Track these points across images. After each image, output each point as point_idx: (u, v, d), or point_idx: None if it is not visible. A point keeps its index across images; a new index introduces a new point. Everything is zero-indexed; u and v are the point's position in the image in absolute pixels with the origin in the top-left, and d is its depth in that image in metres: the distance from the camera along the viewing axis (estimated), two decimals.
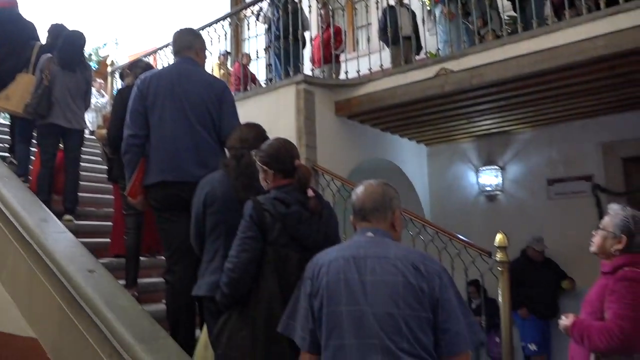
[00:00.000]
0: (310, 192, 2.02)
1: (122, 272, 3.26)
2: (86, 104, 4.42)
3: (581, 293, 2.28)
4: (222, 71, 7.80)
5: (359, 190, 1.75)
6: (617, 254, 2.10)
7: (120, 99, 3.29)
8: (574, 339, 2.13)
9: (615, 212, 2.16)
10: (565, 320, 2.18)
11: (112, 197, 4.01)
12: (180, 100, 2.65)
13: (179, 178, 2.58)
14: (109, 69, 8.22)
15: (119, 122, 2.97)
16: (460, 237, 4.05)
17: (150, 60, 6.82)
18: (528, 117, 5.51)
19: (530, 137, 6.09)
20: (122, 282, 3.06)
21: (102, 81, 8.40)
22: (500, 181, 6.21)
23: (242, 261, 1.89)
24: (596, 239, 2.19)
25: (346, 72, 5.26)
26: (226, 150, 2.40)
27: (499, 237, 3.68)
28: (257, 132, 2.31)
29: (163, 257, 3.16)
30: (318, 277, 1.62)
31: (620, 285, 1.98)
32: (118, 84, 7.03)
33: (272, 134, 2.30)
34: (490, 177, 6.24)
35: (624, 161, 5.53)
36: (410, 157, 6.51)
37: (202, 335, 2.45)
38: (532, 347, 5.29)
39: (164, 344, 2.23)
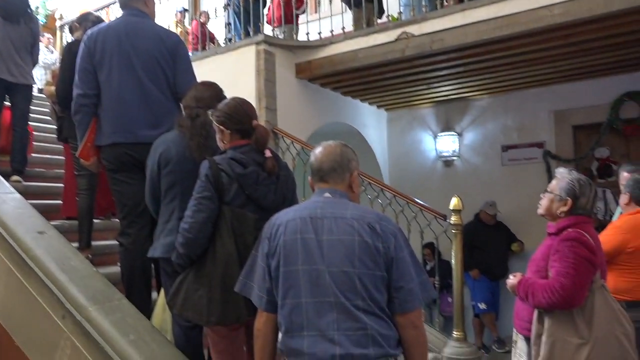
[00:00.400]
0: (267, 153, 2.00)
1: (75, 234, 3.18)
2: (33, 59, 4.18)
3: (529, 255, 2.38)
4: (179, 29, 7.51)
5: (318, 151, 1.74)
6: (563, 215, 2.18)
7: (69, 54, 3.13)
8: (519, 296, 2.23)
9: (562, 175, 2.24)
10: (512, 279, 2.28)
11: (62, 157, 3.86)
12: (129, 56, 2.51)
13: (130, 139, 2.49)
14: (58, 23, 7.78)
15: (68, 78, 2.83)
16: (417, 200, 4.14)
17: (103, 15, 6.48)
18: (485, 84, 5.61)
19: (487, 104, 6.22)
20: (76, 244, 2.99)
21: (50, 36, 7.95)
22: (457, 147, 6.35)
23: (198, 221, 1.87)
24: (543, 202, 2.27)
25: (307, 34, 5.17)
26: (182, 109, 2.34)
27: (454, 201, 3.79)
28: (213, 91, 2.25)
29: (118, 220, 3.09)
30: (275, 237, 1.62)
31: (563, 245, 2.07)
32: (68, 39, 6.67)
33: (232, 95, 2.24)
34: (447, 143, 6.36)
35: (574, 129, 5.75)
36: (371, 121, 6.53)
37: (160, 297, 2.45)
38: (482, 305, 5.54)
39: (118, 305, 2.20)
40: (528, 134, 5.93)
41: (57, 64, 6.92)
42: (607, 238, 2.69)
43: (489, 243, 5.56)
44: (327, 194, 1.67)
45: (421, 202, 4.13)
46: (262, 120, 4.56)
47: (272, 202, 1.97)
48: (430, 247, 5.27)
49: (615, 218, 3.07)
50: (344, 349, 1.48)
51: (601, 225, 3.10)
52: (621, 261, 2.66)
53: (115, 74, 2.51)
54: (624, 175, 3.07)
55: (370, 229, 1.56)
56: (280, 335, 1.61)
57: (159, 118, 2.52)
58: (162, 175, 2.16)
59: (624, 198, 2.81)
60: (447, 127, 6.45)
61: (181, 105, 2.32)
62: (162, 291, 2.36)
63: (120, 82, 2.50)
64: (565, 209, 2.18)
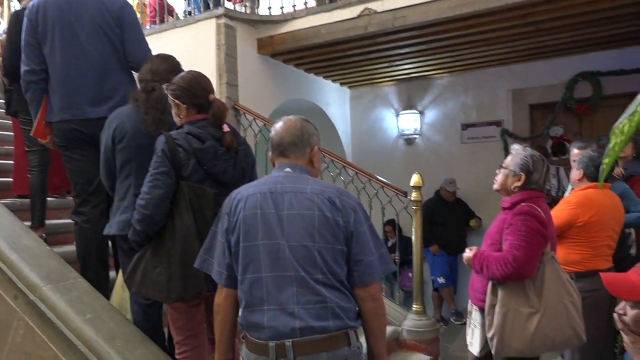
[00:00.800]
0: (225, 128, 1.96)
1: (28, 213, 3.06)
2: None
3: (486, 230, 2.45)
4: (136, 1, 7.23)
5: (278, 125, 1.73)
6: (516, 190, 2.25)
7: (15, 23, 2.96)
8: (474, 269, 2.31)
9: (516, 151, 2.31)
10: (467, 253, 2.35)
11: (12, 133, 3.69)
12: (72, 26, 2.38)
13: (77, 116, 2.38)
14: None
15: (16, 49, 2.69)
16: (379, 177, 4.19)
17: None
18: (446, 62, 5.67)
19: (448, 82, 6.29)
20: (28, 223, 2.89)
21: None
22: (419, 125, 6.42)
23: (155, 197, 1.84)
24: (499, 177, 2.34)
25: (269, 8, 5.08)
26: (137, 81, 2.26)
27: (414, 178, 3.85)
28: (170, 64, 2.18)
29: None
30: (235, 212, 1.61)
31: (516, 219, 2.14)
32: (16, 7, 6.32)
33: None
34: (409, 121, 6.42)
35: (530, 107, 5.90)
36: (334, 99, 6.52)
37: (119, 276, 2.40)
38: (441, 280, 5.70)
39: (74, 284, 2.15)
40: (487, 113, 6.06)
41: (4, 35, 6.58)
42: (559, 213, 2.79)
43: (448, 219, 5.70)
44: (287, 169, 1.67)
45: (382, 179, 4.18)
46: (222, 96, 4.48)
47: (231, 177, 1.95)
48: (391, 224, 5.36)
49: (567, 194, 3.19)
50: (303, 322, 1.49)
51: (554, 201, 3.22)
52: (572, 234, 2.77)
53: (57, 47, 2.38)
54: (575, 152, 3.19)
55: (330, 203, 1.57)
56: (240, 310, 1.61)
57: (109, 91, 2.41)
58: (116, 151, 2.09)
59: (576, 174, 2.91)
60: (408, 105, 6.50)
61: (136, 78, 2.24)
62: (120, 270, 2.32)
63: (63, 54, 2.38)
64: (519, 184, 2.25)
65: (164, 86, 2.01)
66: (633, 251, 3.24)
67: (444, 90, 6.34)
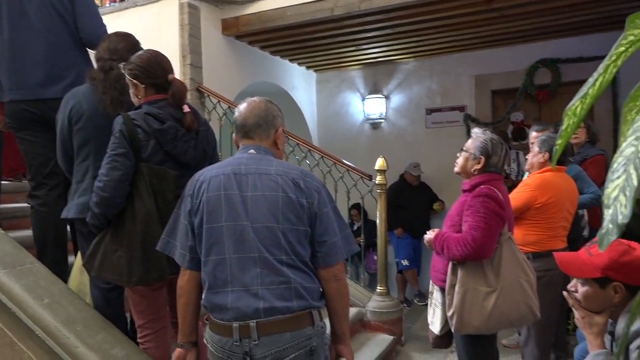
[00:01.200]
0: (185, 108, 1.93)
1: None
2: None
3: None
4: None
5: (242, 106, 1.72)
6: (476, 173, 2.31)
7: None
8: (435, 250, 2.36)
9: (476, 135, 2.36)
10: (428, 234, 2.40)
11: None
12: (20, 2, 2.28)
13: (27, 96, 2.29)
14: None
15: None
16: (344, 161, 4.21)
17: None
18: (412, 47, 5.70)
19: (413, 67, 6.34)
20: None
21: None
22: (384, 110, 6.46)
23: (113, 179, 1.79)
24: (459, 160, 2.39)
25: None
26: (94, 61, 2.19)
27: (379, 162, 3.90)
28: (128, 43, 2.12)
29: None
30: (198, 194, 1.59)
31: (476, 201, 2.20)
32: None
33: None
34: (375, 106, 6.45)
35: (492, 93, 6.02)
36: (300, 83, 6.48)
37: (77, 260, 2.35)
38: (405, 262, 5.80)
39: (30, 268, 2.09)
40: (451, 98, 6.14)
41: None
42: (518, 195, 2.88)
43: (413, 203, 5.79)
44: (251, 150, 1.66)
45: (348, 163, 4.20)
46: (186, 77, 4.39)
47: (192, 158, 1.92)
48: (357, 207, 5.41)
49: (525, 177, 3.28)
50: (267, 302, 1.50)
51: (514, 185, 3.30)
52: (529, 216, 2.86)
53: (5, 23, 2.28)
54: (533, 135, 3.28)
55: (294, 184, 1.57)
56: (204, 292, 1.61)
57: (61, 70, 2.32)
58: (73, 132, 2.03)
59: (540, 156, 2.96)
60: (374, 89, 6.53)
61: (92, 57, 2.17)
62: (79, 254, 2.27)
63: (11, 31, 2.28)
64: (478, 166, 2.30)
65: (121, 65, 1.95)
66: (586, 233, 3.37)
67: (409, 75, 6.39)
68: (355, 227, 6.00)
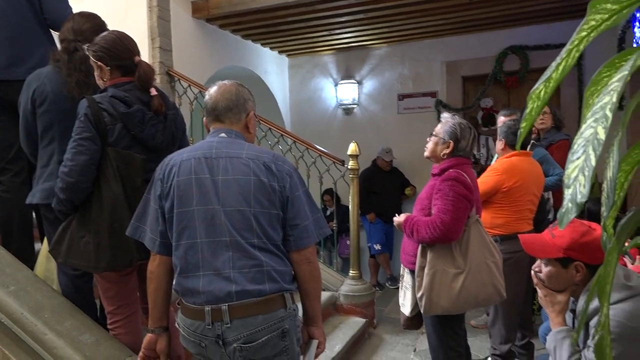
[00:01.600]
0: (153, 91, 1.89)
1: None
2: None
3: None
4: None
5: (213, 90, 1.70)
6: (445, 157, 2.35)
7: None
8: (405, 233, 2.40)
9: (445, 119, 2.39)
10: (399, 218, 2.44)
11: None
12: None
13: None
14: None
15: None
16: (316, 146, 4.22)
17: None
18: (384, 32, 5.71)
19: (385, 53, 6.36)
20: None
21: None
22: (357, 95, 6.48)
23: (79, 164, 1.75)
24: (429, 145, 2.42)
25: None
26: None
27: (351, 147, 3.92)
28: (94, 23, 2.06)
29: None
30: (168, 178, 1.58)
31: (444, 185, 2.24)
32: None
33: None
34: (347, 91, 6.46)
35: (463, 79, 6.10)
36: (272, 67, 6.43)
37: (43, 246, 2.30)
38: (377, 247, 5.88)
39: None
40: (422, 84, 6.19)
41: None
42: (485, 179, 2.94)
43: (385, 188, 5.85)
44: (222, 134, 1.65)
45: (320, 148, 4.21)
46: (155, 61, 4.30)
47: (160, 142, 1.89)
48: (330, 193, 5.43)
49: (493, 162, 3.35)
50: (239, 285, 1.50)
51: (483, 170, 3.37)
52: (497, 200, 2.93)
53: None
54: (501, 120, 3.35)
55: (266, 168, 1.57)
56: (175, 276, 1.60)
57: (25, 51, 2.25)
58: (37, 115, 1.97)
59: (499, 144, 3.06)
60: (347, 75, 6.53)
61: (56, 38, 2.10)
62: (45, 240, 2.22)
63: None
64: (447, 151, 2.34)
65: (85, 47, 1.89)
66: (551, 216, 3.48)
67: (381, 61, 6.40)
68: (328, 212, 6.04)
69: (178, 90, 4.37)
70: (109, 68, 1.85)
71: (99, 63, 1.85)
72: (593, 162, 0.67)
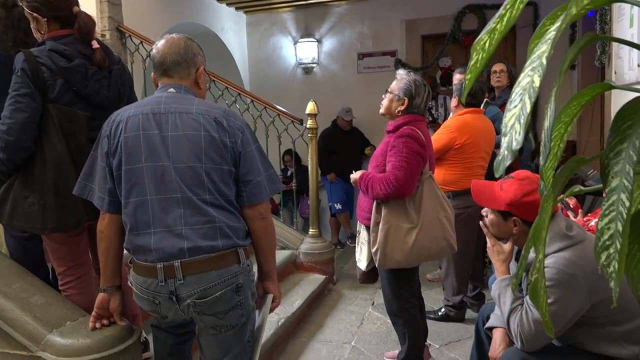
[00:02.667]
0: (95, 44, 1.80)
1: None
2: None
3: None
4: None
5: (160, 44, 1.64)
6: (400, 114, 2.37)
7: None
8: (361, 189, 2.43)
9: (400, 76, 2.40)
10: (354, 175, 2.46)
11: None
12: None
13: None
14: None
15: None
16: (275, 105, 4.17)
17: None
18: None
19: (345, 10, 6.26)
20: None
21: None
22: (316, 54, 6.39)
23: (19, 122, 1.67)
24: (384, 102, 2.43)
25: None
26: None
27: (309, 106, 3.89)
28: None
29: None
30: (115, 134, 1.53)
31: (399, 141, 2.26)
32: None
33: None
34: (307, 50, 6.36)
35: (422, 38, 6.09)
36: (229, 25, 6.23)
37: None
38: (338, 206, 5.94)
39: None
40: (382, 43, 6.15)
41: None
42: (439, 137, 2.99)
43: (345, 148, 5.86)
44: (171, 89, 1.61)
45: (279, 107, 4.16)
46: (104, 16, 4.09)
47: (105, 98, 1.82)
48: (290, 153, 5.41)
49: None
50: (191, 242, 1.50)
51: None
52: (450, 157, 3.00)
53: None
54: (457, 77, 3.39)
55: (216, 124, 1.55)
56: (126, 234, 1.58)
57: None
58: None
59: (453, 101, 3.11)
60: (306, 33, 6.40)
61: None
62: None
63: None
64: (402, 108, 2.35)
65: None
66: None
67: (341, 19, 6.31)
68: (289, 173, 6.03)
69: (129, 47, 4.19)
70: (45, 19, 1.74)
71: (35, 14, 1.74)
72: (528, 109, 0.68)
